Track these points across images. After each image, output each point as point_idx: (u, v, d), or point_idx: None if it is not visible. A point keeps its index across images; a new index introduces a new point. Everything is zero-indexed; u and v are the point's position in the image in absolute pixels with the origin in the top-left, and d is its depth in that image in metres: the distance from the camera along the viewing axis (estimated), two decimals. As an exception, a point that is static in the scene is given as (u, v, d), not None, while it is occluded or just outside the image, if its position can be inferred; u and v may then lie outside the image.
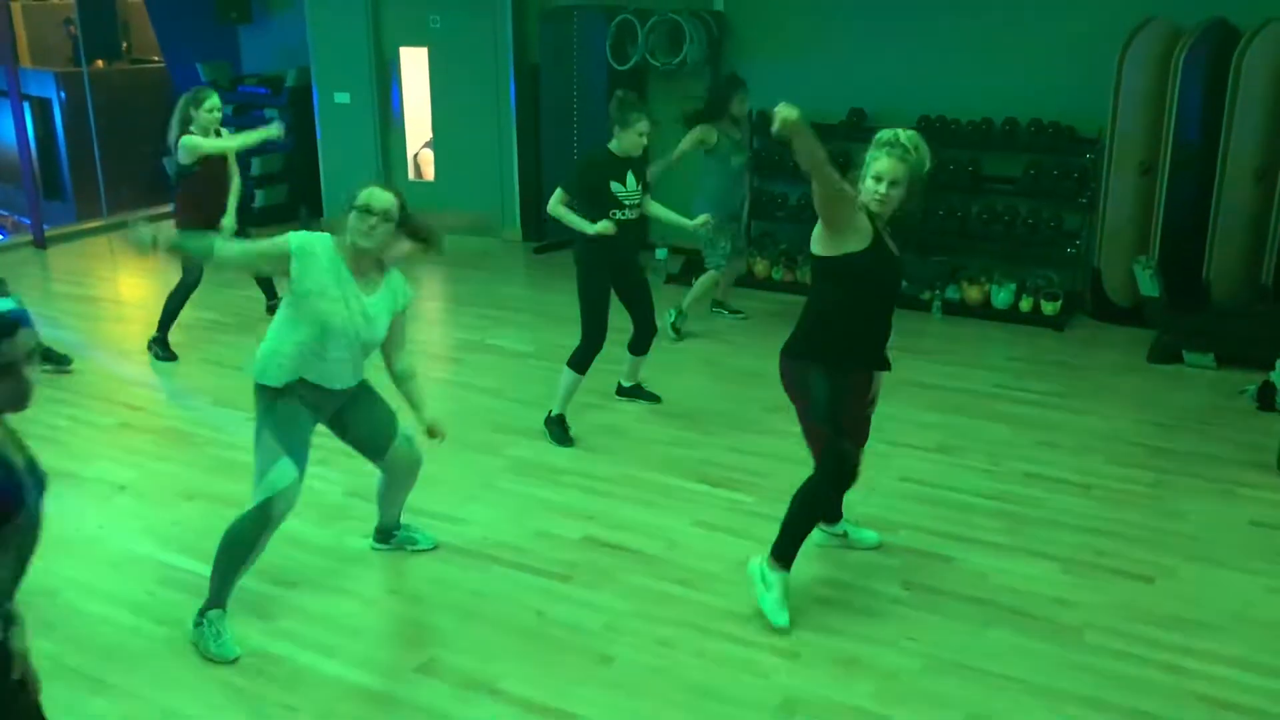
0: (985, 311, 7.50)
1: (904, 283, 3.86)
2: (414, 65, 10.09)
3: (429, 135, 10.41)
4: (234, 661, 3.57)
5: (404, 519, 4.32)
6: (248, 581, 3.84)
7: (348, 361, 3.69)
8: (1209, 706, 3.38)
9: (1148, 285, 6.59)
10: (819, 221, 3.63)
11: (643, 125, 5.21)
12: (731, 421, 5.64)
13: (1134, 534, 4.48)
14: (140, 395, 6.07)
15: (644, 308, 5.55)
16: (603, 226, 5.13)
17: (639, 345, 5.67)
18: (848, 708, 3.38)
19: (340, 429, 3.89)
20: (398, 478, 4.08)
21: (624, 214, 5.24)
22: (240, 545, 3.61)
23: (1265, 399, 5.79)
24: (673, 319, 7.00)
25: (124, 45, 11.55)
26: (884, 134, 3.69)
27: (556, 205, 5.27)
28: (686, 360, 6.59)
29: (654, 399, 5.88)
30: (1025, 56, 7.57)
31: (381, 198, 3.65)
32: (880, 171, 3.63)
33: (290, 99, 10.29)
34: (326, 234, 3.71)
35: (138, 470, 5.03)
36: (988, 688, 3.47)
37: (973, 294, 7.54)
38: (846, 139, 8.06)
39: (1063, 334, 7.19)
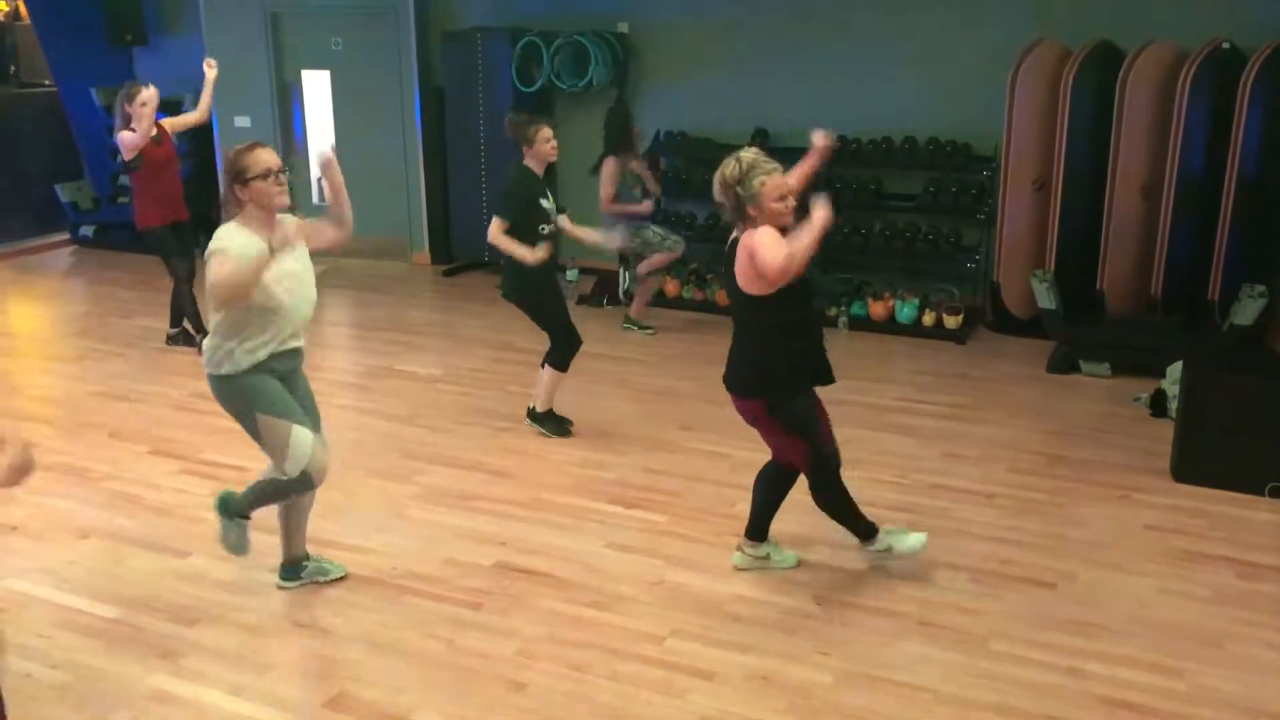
0: (889, 326, 7.64)
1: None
2: (316, 88, 9.95)
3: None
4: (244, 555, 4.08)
5: (309, 551, 4.22)
6: (147, 621, 3.73)
7: (298, 325, 3.86)
8: (1109, 707, 3.47)
9: (1045, 298, 6.78)
10: (751, 272, 3.76)
11: (546, 132, 5.36)
12: (644, 441, 5.65)
13: (1036, 541, 4.59)
14: (31, 430, 5.85)
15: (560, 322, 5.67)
16: (540, 254, 5.27)
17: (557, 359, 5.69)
18: (762, 725, 3.40)
19: (291, 391, 3.92)
20: (305, 488, 3.95)
21: (550, 229, 5.39)
22: (277, 496, 3.94)
23: (1158, 406, 5.99)
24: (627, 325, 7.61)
25: (11, 68, 11.17)
26: (748, 155, 3.81)
27: (499, 235, 5.30)
28: (598, 379, 6.59)
29: (564, 430, 5.76)
30: (923, 76, 7.76)
31: (272, 153, 3.71)
32: (784, 189, 3.78)
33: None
34: (229, 224, 3.71)
35: (29, 509, 4.84)
36: (899, 699, 3.52)
37: (877, 309, 7.68)
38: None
39: (965, 347, 7.36)
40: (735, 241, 3.86)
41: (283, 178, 3.69)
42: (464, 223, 9.43)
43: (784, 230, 3.74)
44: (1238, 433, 4.99)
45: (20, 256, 10.26)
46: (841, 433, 5.72)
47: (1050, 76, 6.94)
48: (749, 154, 3.81)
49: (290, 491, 3.90)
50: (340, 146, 10.11)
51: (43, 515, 4.82)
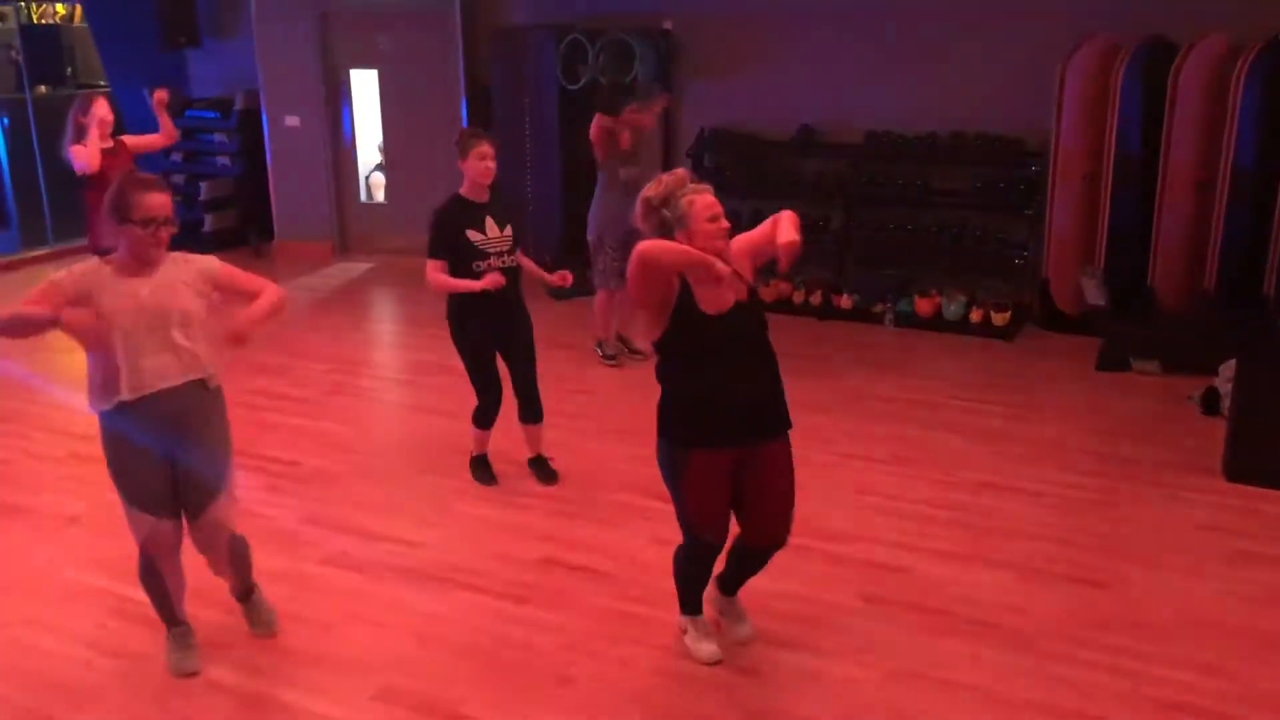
0: (936, 323, 7.59)
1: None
2: (364, 87, 10.07)
3: (379, 158, 10.38)
4: None
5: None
6: (202, 611, 3.81)
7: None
8: (1160, 709, 3.43)
9: (1094, 294, 6.70)
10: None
11: (483, 147, 4.74)
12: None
13: (1085, 540, 4.54)
14: (90, 425, 5.95)
15: (522, 371, 5.05)
16: (491, 280, 4.65)
17: (524, 413, 5.13)
18: (807, 721, 3.40)
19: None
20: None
21: (485, 266, 4.75)
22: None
23: (1209, 404, 5.90)
24: (601, 352, 6.90)
25: (68, 70, 11.39)
26: (672, 176, 3.41)
27: (435, 275, 4.74)
28: (633, 376, 6.60)
29: (550, 478, 5.17)
30: (970, 70, 7.69)
31: (166, 199, 3.39)
32: (715, 209, 3.35)
33: (239, 123, 10.22)
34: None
35: (88, 502, 4.95)
36: (946, 698, 3.50)
37: (924, 306, 7.63)
38: (799, 155, 8.20)
39: (1012, 344, 7.29)
40: None
41: (164, 232, 3.34)
42: (428, 228, 9.46)
43: (719, 255, 3.30)
44: (1293, 431, 4.90)
45: (78, 255, 10.46)
46: (888, 430, 5.73)
47: (1101, 70, 6.85)
48: (673, 175, 3.42)
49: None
50: (387, 145, 10.30)
51: (102, 508, 4.91)
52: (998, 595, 4.11)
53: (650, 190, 3.39)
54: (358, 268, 9.78)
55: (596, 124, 6.69)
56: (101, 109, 6.26)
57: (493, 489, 5.08)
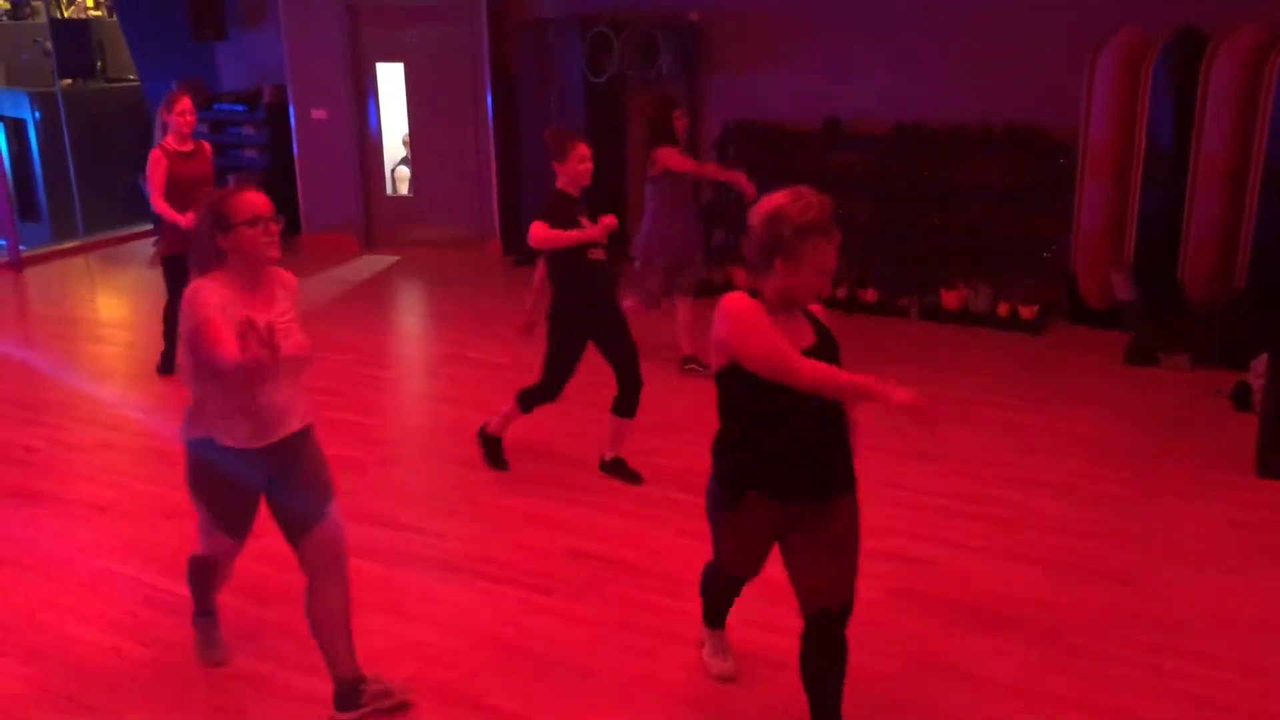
0: (963, 317, 7.55)
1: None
2: (391, 80, 10.10)
3: (405, 150, 10.42)
4: None
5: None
6: (228, 599, 3.83)
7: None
8: (1190, 704, 3.40)
9: (1123, 288, 6.64)
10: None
11: (582, 149, 4.79)
12: (708, 429, 5.63)
13: (1113, 536, 4.51)
14: (120, 415, 6.03)
15: (631, 363, 5.00)
16: (605, 227, 4.75)
17: (623, 405, 5.06)
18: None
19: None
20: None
21: (596, 255, 4.86)
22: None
23: (1241, 399, 5.84)
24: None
25: (98, 64, 11.49)
26: (823, 211, 2.83)
27: (542, 230, 4.75)
28: (655, 368, 6.60)
29: (635, 479, 5.13)
30: (999, 63, 7.63)
31: (264, 197, 3.14)
32: (832, 266, 2.90)
33: (266, 115, 10.28)
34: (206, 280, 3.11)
35: (119, 490, 5.00)
36: (972, 691, 3.49)
37: (951, 299, 7.59)
38: (825, 148, 8.16)
39: (1040, 338, 7.24)
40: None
41: (275, 227, 3.12)
42: (536, 213, 9.48)
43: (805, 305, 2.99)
44: (1326, 427, 4.85)
45: (108, 247, 10.57)
46: (911, 423, 5.68)
47: (1131, 62, 6.78)
48: (823, 203, 2.86)
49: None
50: (413, 138, 10.34)
51: (131, 497, 4.97)
52: (1025, 590, 4.08)
53: (793, 207, 2.81)
54: (383, 260, 9.83)
55: (674, 157, 6.29)
56: (183, 106, 6.12)
57: (518, 479, 5.09)
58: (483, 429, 5.28)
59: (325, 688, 3.51)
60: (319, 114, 10.15)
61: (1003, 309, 7.42)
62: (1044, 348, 7.07)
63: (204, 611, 3.70)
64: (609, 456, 5.19)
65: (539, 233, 4.76)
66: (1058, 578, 4.17)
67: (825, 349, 2.96)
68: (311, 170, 10.34)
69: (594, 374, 5.97)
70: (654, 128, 6.50)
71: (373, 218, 10.40)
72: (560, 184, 4.88)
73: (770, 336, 2.83)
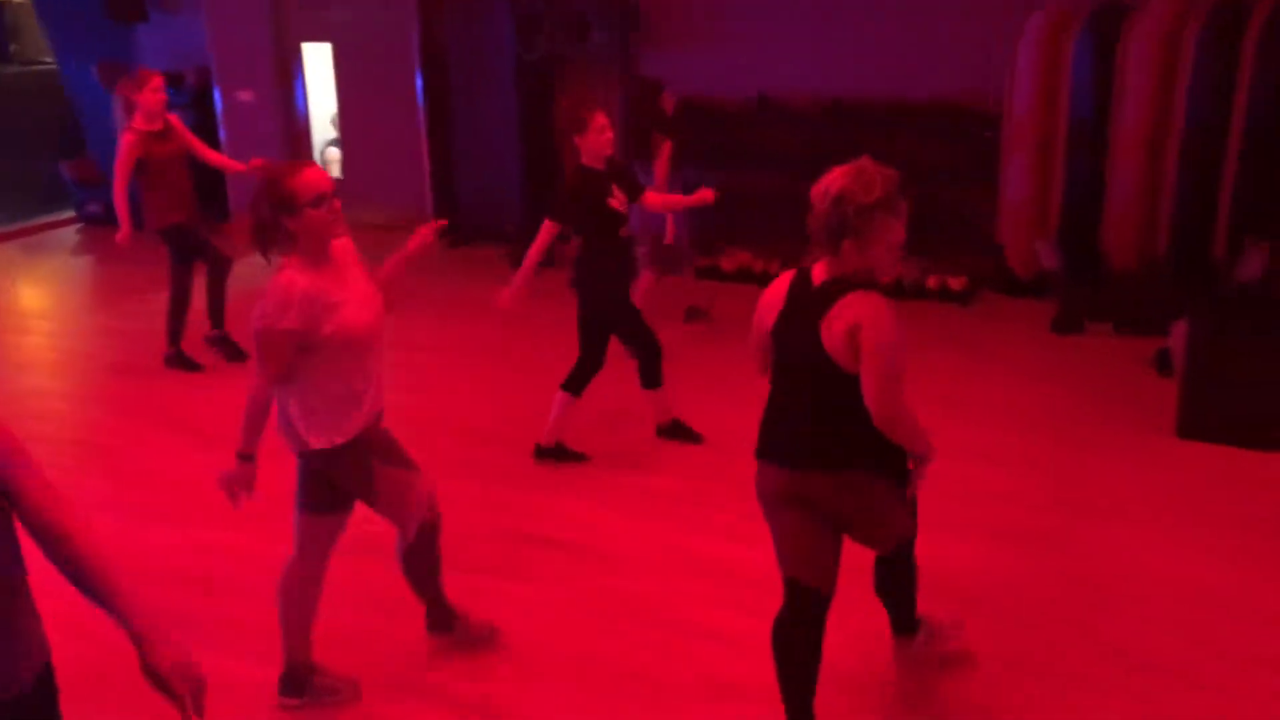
0: (894, 290, 7.64)
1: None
2: (318, 61, 9.94)
3: (334, 132, 10.28)
4: None
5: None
6: (172, 591, 3.78)
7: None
8: (1117, 659, 3.52)
9: (1047, 258, 6.78)
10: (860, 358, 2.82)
11: (600, 119, 4.73)
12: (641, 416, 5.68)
13: (1041, 500, 4.63)
14: (46, 406, 5.91)
15: (642, 333, 5.05)
16: (703, 195, 4.98)
17: (647, 376, 5.12)
18: (774, 687, 3.45)
19: None
20: None
21: (627, 232, 4.91)
22: None
23: (1162, 364, 6.01)
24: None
25: (11, 47, 11.16)
26: (878, 180, 2.82)
27: (543, 234, 4.72)
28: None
29: (695, 438, 5.23)
30: (926, 38, 7.72)
31: (322, 172, 3.12)
32: (899, 240, 2.90)
33: (191, 99, 10.06)
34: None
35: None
36: (908, 660, 3.57)
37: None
38: (759, 125, 8.19)
39: (969, 309, 7.37)
40: (823, 288, 2.89)
41: (337, 202, 3.08)
42: (470, 193, 9.44)
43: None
44: (1242, 389, 5.01)
45: (26, 236, 10.30)
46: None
47: (1053, 35, 6.89)
48: (888, 177, 2.84)
49: None
50: (342, 119, 10.17)
51: (59, 490, 4.87)
52: (958, 559, 4.17)
53: (856, 185, 2.79)
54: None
55: (653, 200, 5.46)
56: (155, 83, 6.06)
57: (458, 468, 5.08)
58: (537, 449, 5.09)
59: (271, 677, 3.49)
60: (245, 96, 9.96)
61: (932, 281, 7.54)
62: (973, 319, 7.20)
63: (308, 665, 3.42)
64: (665, 421, 5.22)
65: (654, 200, 5.06)
66: (987, 543, 4.27)
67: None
68: (238, 154, 10.10)
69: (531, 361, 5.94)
70: (645, 112, 6.52)
71: (303, 201, 10.22)
72: (584, 160, 4.81)
73: (903, 357, 2.85)
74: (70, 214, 10.75)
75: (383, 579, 4.07)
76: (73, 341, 6.85)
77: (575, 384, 5.00)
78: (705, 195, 5.02)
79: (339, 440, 3.13)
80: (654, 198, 5.17)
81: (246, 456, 3.07)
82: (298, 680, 3.39)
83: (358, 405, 3.17)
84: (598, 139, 4.72)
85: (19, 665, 2.01)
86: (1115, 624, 3.72)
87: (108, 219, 10.45)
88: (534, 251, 4.77)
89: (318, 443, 3.12)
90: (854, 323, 2.78)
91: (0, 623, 1.97)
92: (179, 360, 6.41)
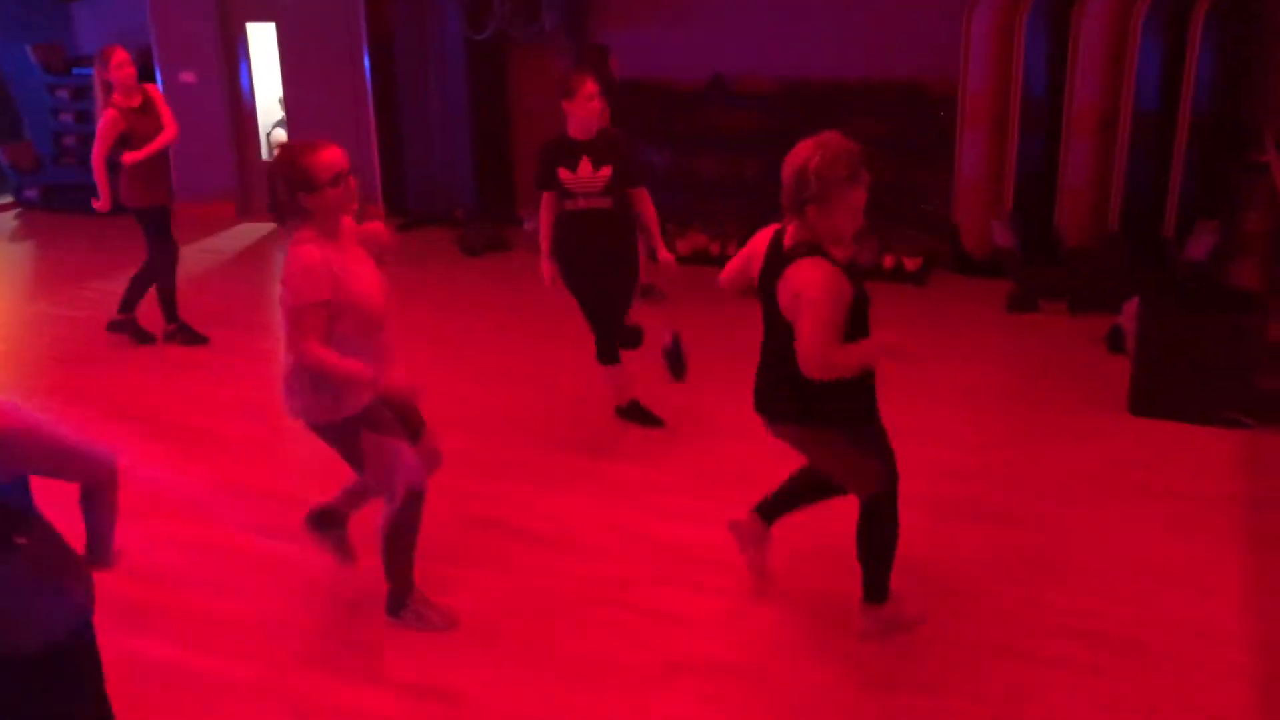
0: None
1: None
2: (262, 41, 9.74)
3: (280, 113, 10.09)
4: None
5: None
6: (115, 583, 3.69)
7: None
8: (1075, 637, 3.54)
9: (1001, 237, 6.82)
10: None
11: (588, 87, 4.61)
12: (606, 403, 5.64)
13: (994, 478, 4.65)
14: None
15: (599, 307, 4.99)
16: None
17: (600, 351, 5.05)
18: (730, 664, 3.44)
19: None
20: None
21: (574, 205, 4.76)
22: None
23: (1115, 342, 6.06)
24: None
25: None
26: (842, 153, 3.18)
27: (543, 211, 4.82)
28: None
29: (655, 422, 5.17)
30: (879, 18, 7.71)
31: (338, 151, 3.24)
32: (860, 204, 3.26)
33: (131, 79, 9.81)
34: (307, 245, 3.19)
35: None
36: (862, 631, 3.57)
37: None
38: (712, 105, 8.14)
39: (925, 289, 7.39)
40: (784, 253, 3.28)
41: (353, 180, 3.24)
42: (419, 177, 9.32)
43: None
44: (1192, 366, 5.07)
45: (-36, 222, 10.02)
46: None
47: (1006, 14, 6.91)
48: (850, 152, 3.23)
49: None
50: (288, 101, 9.98)
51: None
52: (910, 534, 4.12)
53: (819, 160, 3.16)
54: (261, 229, 9.49)
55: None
56: (120, 59, 6.00)
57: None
58: (617, 410, 5.18)
59: (227, 667, 3.43)
60: (187, 77, 9.73)
61: (888, 261, 7.55)
62: (928, 299, 7.22)
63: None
64: (623, 403, 5.18)
65: (645, 203, 4.87)
66: (944, 523, 4.28)
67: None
68: (182, 136, 9.91)
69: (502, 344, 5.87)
70: (601, 77, 6.39)
71: (248, 184, 10.04)
72: (569, 127, 4.72)
73: (839, 317, 3.22)
74: (7, 199, 10.47)
75: (341, 569, 4.02)
76: (12, 330, 6.66)
77: (603, 354, 5.01)
78: (667, 257, 4.91)
79: (348, 414, 3.30)
80: (644, 203, 4.89)
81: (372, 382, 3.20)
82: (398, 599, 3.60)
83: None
84: (585, 106, 4.63)
85: (55, 620, 2.21)
86: (1069, 599, 3.74)
87: (45, 204, 10.21)
88: (543, 225, 4.84)
89: (325, 416, 3.31)
90: (797, 289, 3.15)
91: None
92: (129, 327, 6.35)
